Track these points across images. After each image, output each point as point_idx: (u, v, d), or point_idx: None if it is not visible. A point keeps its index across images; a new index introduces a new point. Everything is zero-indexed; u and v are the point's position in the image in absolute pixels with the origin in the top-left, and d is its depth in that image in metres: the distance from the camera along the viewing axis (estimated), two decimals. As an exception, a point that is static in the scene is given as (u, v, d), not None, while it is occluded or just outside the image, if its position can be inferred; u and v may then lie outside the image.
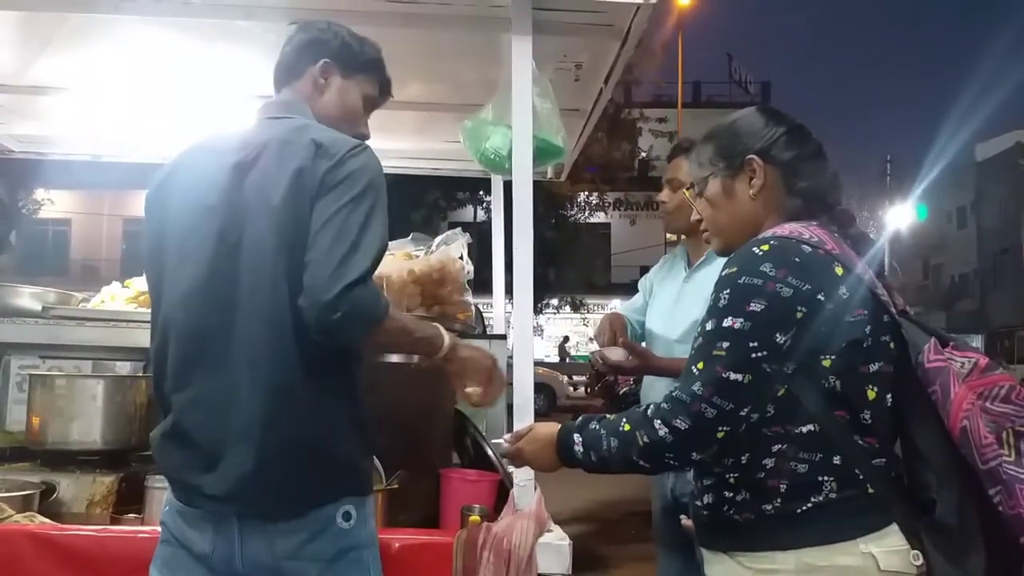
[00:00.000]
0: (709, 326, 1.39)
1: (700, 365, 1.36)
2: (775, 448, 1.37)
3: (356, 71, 1.72)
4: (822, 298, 1.35)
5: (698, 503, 1.48)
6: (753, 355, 1.34)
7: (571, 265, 19.44)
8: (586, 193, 18.19)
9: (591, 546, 5.86)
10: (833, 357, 1.36)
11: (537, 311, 17.92)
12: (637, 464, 1.41)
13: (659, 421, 1.36)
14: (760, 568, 1.37)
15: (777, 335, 1.34)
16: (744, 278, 1.37)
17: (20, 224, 21.61)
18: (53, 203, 22.40)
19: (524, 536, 1.84)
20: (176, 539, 1.54)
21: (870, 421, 1.38)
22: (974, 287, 34.73)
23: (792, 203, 1.51)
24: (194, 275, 1.51)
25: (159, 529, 1.65)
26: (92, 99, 2.93)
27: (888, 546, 1.35)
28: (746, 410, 1.34)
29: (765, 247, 1.40)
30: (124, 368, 2.54)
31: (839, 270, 1.39)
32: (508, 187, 2.14)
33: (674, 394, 1.37)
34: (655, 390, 2.39)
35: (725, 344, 1.35)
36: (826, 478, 1.36)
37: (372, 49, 1.75)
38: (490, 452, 2.25)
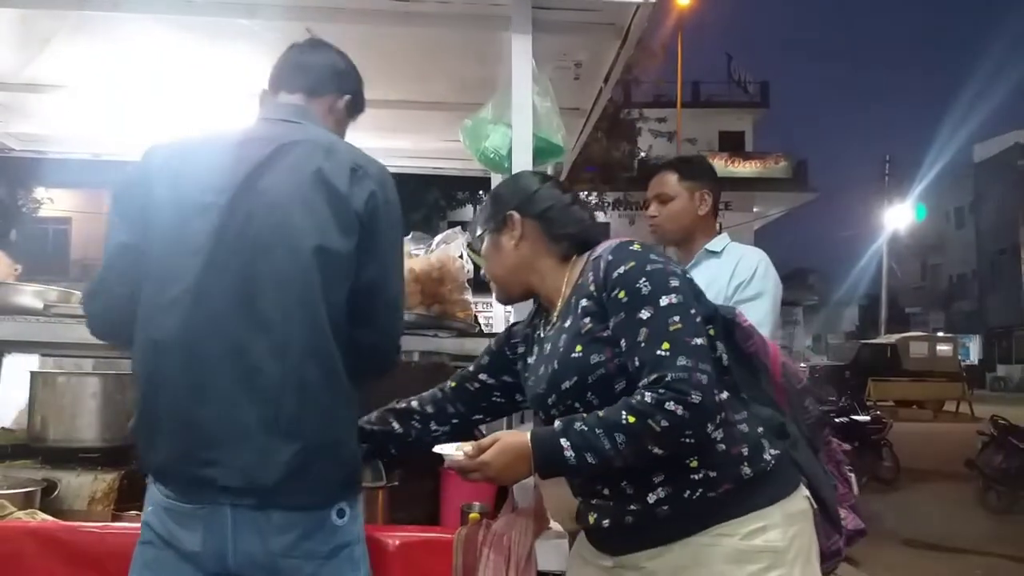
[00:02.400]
0: (646, 314, 1.46)
1: (666, 346, 1.43)
2: (716, 419, 1.48)
3: (355, 113, 1.82)
4: (690, 279, 1.56)
5: (635, 507, 1.50)
6: (698, 319, 1.48)
7: (570, 264, 19.42)
8: (585, 192, 18.18)
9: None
10: (711, 328, 1.55)
11: (536, 310, 17.81)
12: (650, 453, 1.43)
13: (671, 403, 1.39)
14: (750, 529, 1.47)
15: (697, 304, 1.52)
16: (648, 265, 1.51)
17: (20, 223, 21.57)
18: (53, 202, 22.35)
19: (524, 533, 1.84)
20: (162, 539, 1.51)
21: (733, 379, 1.58)
22: (972, 287, 34.79)
23: (559, 246, 1.69)
24: (203, 270, 1.49)
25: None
26: (92, 97, 2.94)
27: (806, 489, 1.58)
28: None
29: (636, 246, 1.57)
30: (124, 366, 2.54)
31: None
32: (508, 186, 2.14)
33: (669, 377, 1.40)
34: None
35: (676, 318, 1.45)
36: (760, 430, 1.54)
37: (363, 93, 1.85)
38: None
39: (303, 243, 1.49)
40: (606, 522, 1.56)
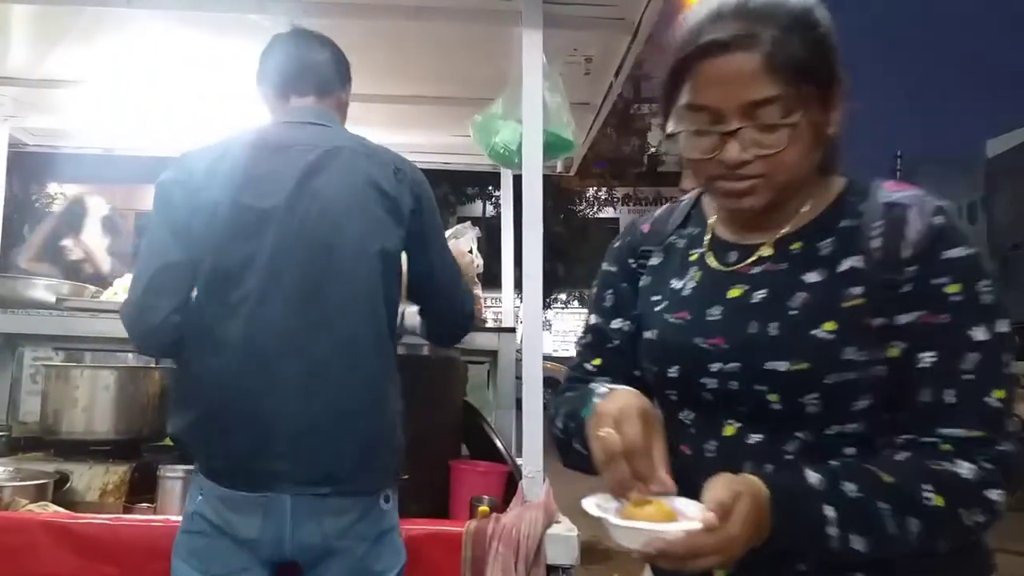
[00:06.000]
0: (981, 335, 0.95)
1: (999, 395, 0.95)
2: None
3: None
4: None
5: (803, 567, 1.01)
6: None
7: (579, 260, 19.42)
8: (595, 188, 18.19)
9: (599, 538, 5.87)
10: None
11: (545, 306, 17.85)
12: (934, 548, 0.95)
13: (996, 491, 0.93)
14: None
15: None
16: (985, 263, 0.99)
17: (33, 217, 21.72)
18: (65, 196, 22.53)
19: (533, 527, 1.85)
20: (215, 527, 1.55)
21: None
22: (985, 283, 34.52)
23: (831, 148, 1.08)
24: (264, 272, 1.56)
25: (172, 518, 1.66)
26: (105, 93, 2.95)
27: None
28: None
29: (947, 218, 1.00)
30: (136, 359, 2.56)
31: None
32: (517, 181, 2.15)
33: (1002, 448, 0.94)
34: None
35: (1007, 358, 0.97)
36: None
37: None
38: (499, 444, 2.25)
39: (367, 246, 1.59)
40: None
